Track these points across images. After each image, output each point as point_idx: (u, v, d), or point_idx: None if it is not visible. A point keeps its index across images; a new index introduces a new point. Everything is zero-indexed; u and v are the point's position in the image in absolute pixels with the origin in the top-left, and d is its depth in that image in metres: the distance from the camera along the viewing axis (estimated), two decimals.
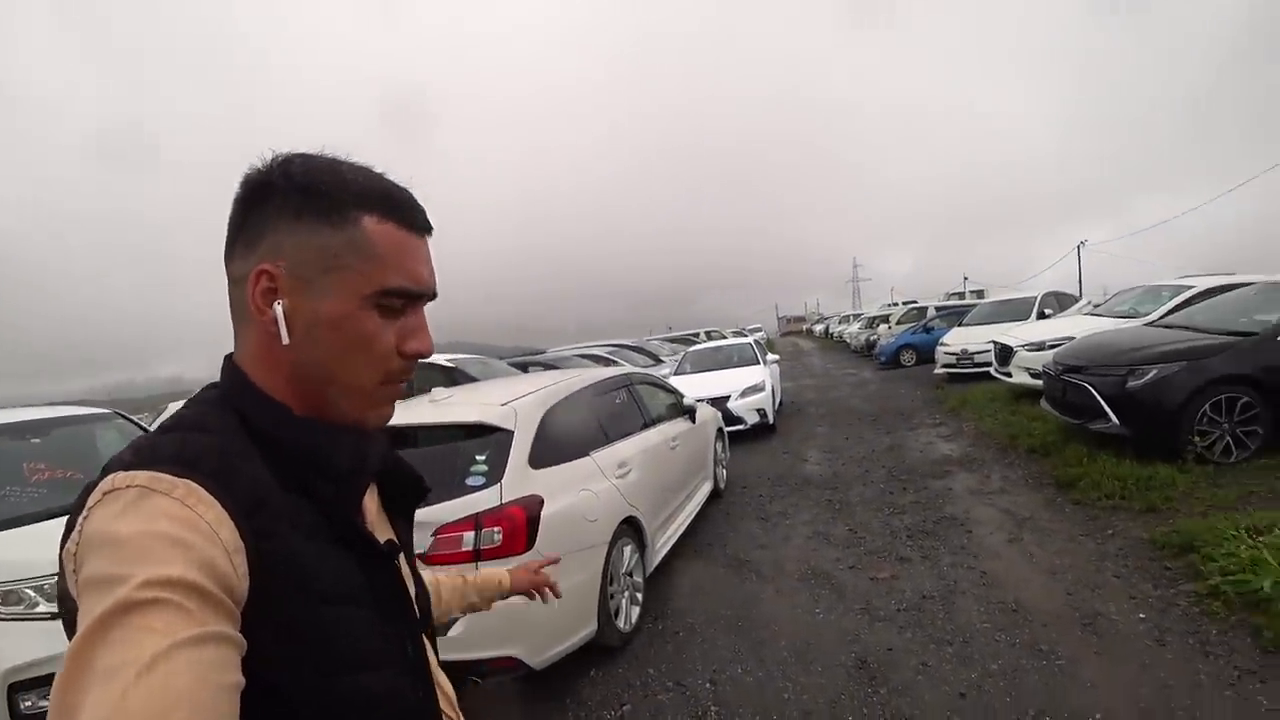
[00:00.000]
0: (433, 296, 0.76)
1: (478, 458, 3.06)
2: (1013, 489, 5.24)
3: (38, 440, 4.21)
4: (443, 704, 0.86)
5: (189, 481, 0.58)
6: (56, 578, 0.60)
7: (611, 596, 3.39)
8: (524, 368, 11.15)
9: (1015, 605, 3.32)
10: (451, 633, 2.71)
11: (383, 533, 0.83)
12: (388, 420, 0.78)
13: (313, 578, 0.65)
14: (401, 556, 0.83)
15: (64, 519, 0.62)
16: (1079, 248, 39.06)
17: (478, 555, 2.78)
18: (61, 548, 0.59)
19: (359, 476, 0.77)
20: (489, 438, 3.15)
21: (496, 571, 1.28)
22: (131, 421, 4.86)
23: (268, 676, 0.58)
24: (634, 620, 3.61)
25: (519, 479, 3.03)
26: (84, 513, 0.57)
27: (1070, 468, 5.20)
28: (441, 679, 0.90)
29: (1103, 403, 5.15)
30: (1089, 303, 11.50)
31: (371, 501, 0.83)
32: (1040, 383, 6.65)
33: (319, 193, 0.68)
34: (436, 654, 0.90)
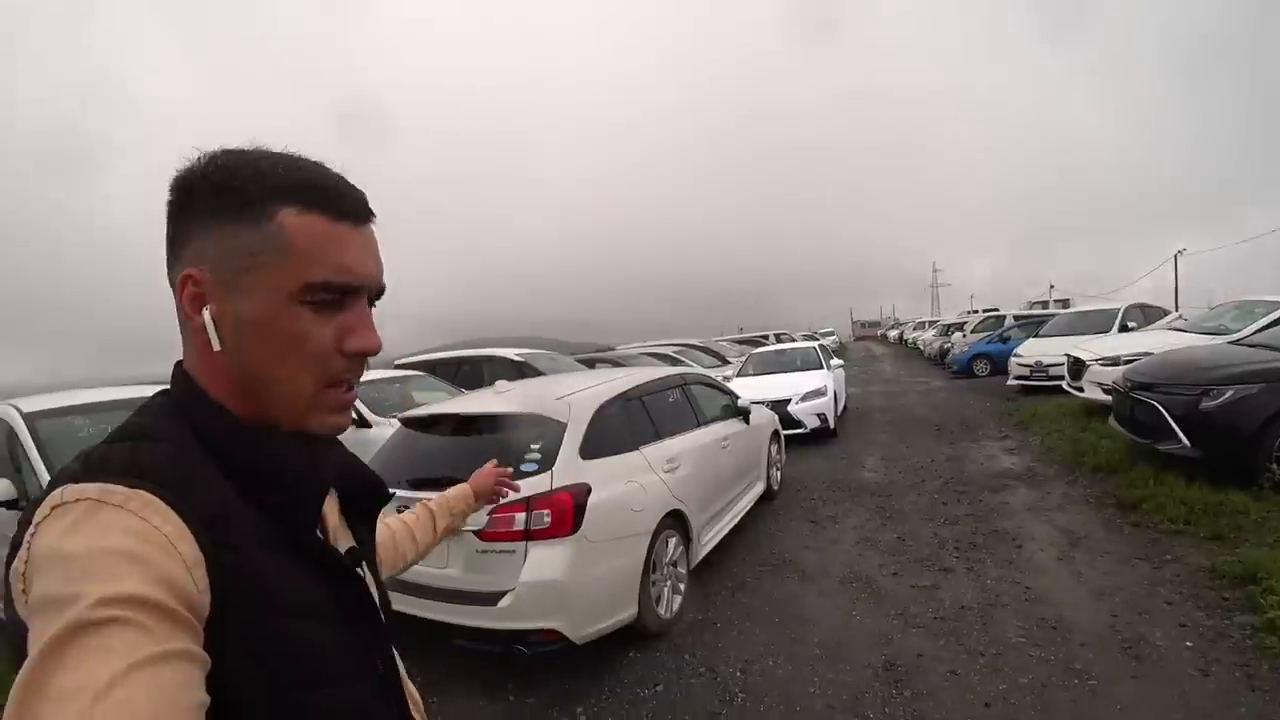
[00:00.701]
0: (374, 288, 0.72)
1: (533, 446, 3.29)
2: (1071, 506, 5.13)
3: None
4: (414, 713, 0.85)
5: (143, 493, 0.55)
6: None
7: (654, 584, 3.57)
8: (591, 364, 11.45)
9: (1056, 623, 3.31)
10: (500, 604, 2.95)
11: (344, 540, 0.82)
12: (338, 428, 0.73)
13: (276, 591, 0.63)
14: (365, 564, 0.81)
15: None
16: (1176, 257, 36.45)
17: (528, 534, 3.01)
18: (7, 567, 0.55)
19: (313, 487, 0.73)
20: (544, 428, 3.38)
21: (459, 489, 1.34)
22: None
23: (232, 694, 0.56)
24: (675, 608, 3.78)
25: (570, 467, 3.23)
26: (31, 528, 0.54)
27: (1135, 488, 5.04)
28: (411, 689, 0.88)
29: (1172, 423, 4.97)
30: (1179, 316, 10.89)
31: (331, 509, 0.81)
32: (1111, 399, 6.43)
33: (233, 190, 0.65)
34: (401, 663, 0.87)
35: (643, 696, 3.06)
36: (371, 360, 0.73)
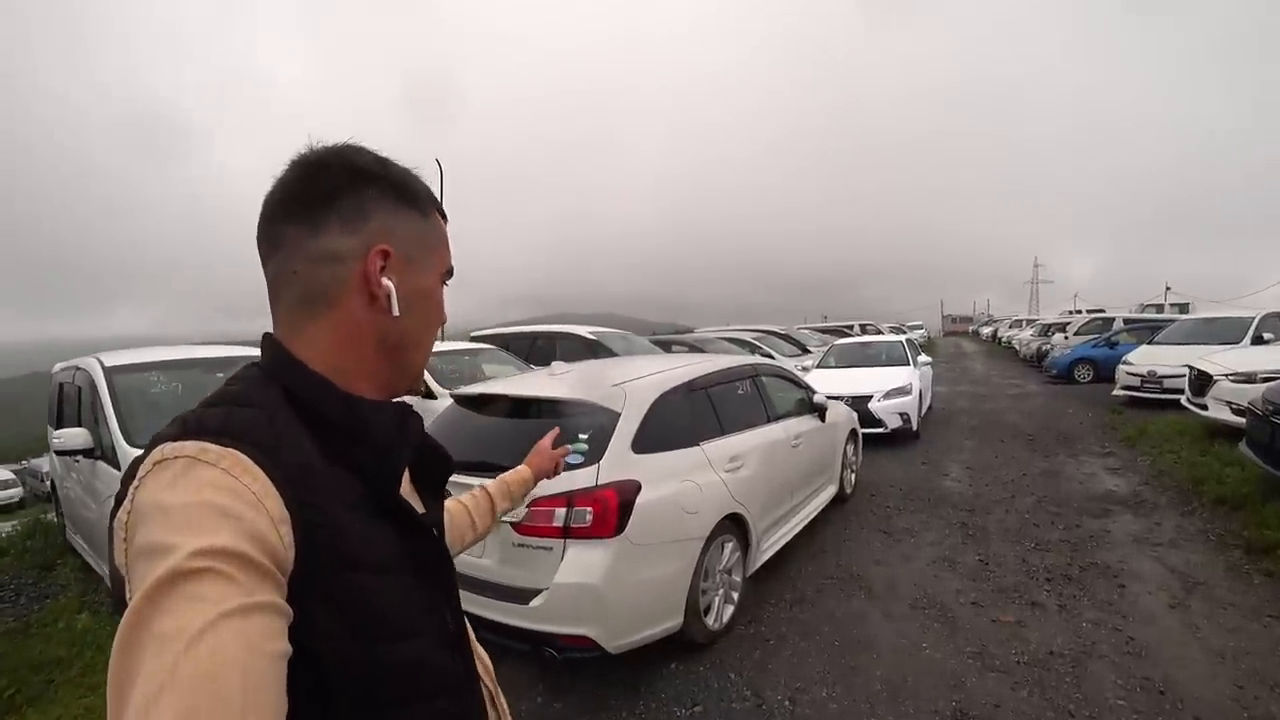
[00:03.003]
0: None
1: (580, 436, 3.06)
2: (1187, 544, 4.52)
3: (221, 375, 4.89)
4: (481, 673, 0.89)
5: (235, 452, 0.59)
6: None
7: (704, 593, 3.31)
8: (666, 346, 11.20)
9: (1164, 686, 2.86)
10: (533, 603, 2.77)
11: (416, 507, 0.84)
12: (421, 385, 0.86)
13: (356, 548, 0.66)
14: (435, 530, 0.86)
15: None
16: None
17: (567, 532, 2.80)
18: (113, 518, 0.60)
19: (401, 449, 0.78)
20: (595, 417, 3.15)
21: (518, 472, 1.40)
22: None
23: (313, 645, 0.59)
24: (725, 620, 3.52)
25: (619, 462, 3.00)
26: (135, 483, 0.58)
27: (1268, 529, 4.37)
28: (480, 650, 0.93)
29: None
30: None
31: (404, 480, 0.85)
32: (1244, 421, 5.64)
33: (409, 188, 0.79)
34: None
35: (678, 716, 2.83)
36: (446, 330, 0.66)
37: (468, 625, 0.87)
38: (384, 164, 0.78)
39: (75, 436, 4.16)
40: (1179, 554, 4.35)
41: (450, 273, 0.85)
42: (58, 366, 6.02)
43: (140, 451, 0.62)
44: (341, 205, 0.73)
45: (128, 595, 0.52)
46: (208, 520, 0.54)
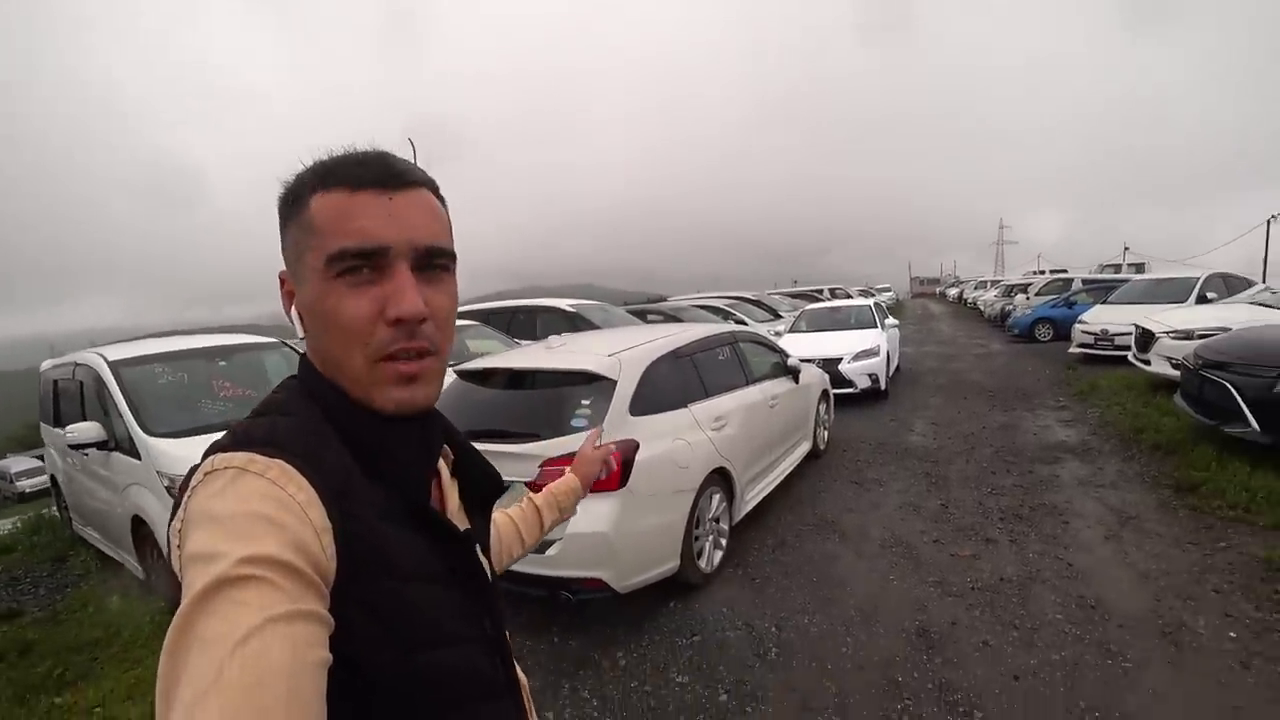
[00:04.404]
0: (409, 249, 0.70)
1: (583, 402, 3.40)
2: (1125, 485, 5.03)
3: (224, 363, 5.10)
4: (521, 680, 0.92)
5: (281, 463, 0.61)
6: None
7: (696, 539, 3.70)
8: (643, 315, 11.50)
9: (1095, 602, 3.32)
10: (549, 552, 3.12)
11: (461, 524, 0.86)
12: (406, 405, 0.73)
13: (396, 557, 0.68)
14: (479, 548, 0.86)
15: None
16: (1269, 223, 33.26)
17: None
18: (169, 525, 0.62)
19: (422, 461, 0.79)
20: (594, 385, 3.48)
21: (567, 482, 1.36)
22: (296, 351, 5.57)
23: (350, 653, 0.60)
24: (716, 563, 3.92)
25: (618, 424, 3.34)
26: (188, 492, 0.61)
27: (1195, 470, 4.91)
28: (517, 667, 0.92)
29: (1243, 405, 4.77)
30: (1266, 289, 10.26)
31: (452, 494, 0.88)
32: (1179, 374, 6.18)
33: (287, 193, 0.73)
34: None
35: (680, 646, 3.23)
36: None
37: (507, 634, 0.87)
38: (291, 183, 0.73)
39: (88, 430, 4.31)
40: (1117, 494, 4.85)
41: (343, 255, 0.67)
42: (47, 363, 6.05)
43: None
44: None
45: (181, 599, 0.53)
46: (255, 529, 0.55)
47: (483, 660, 0.78)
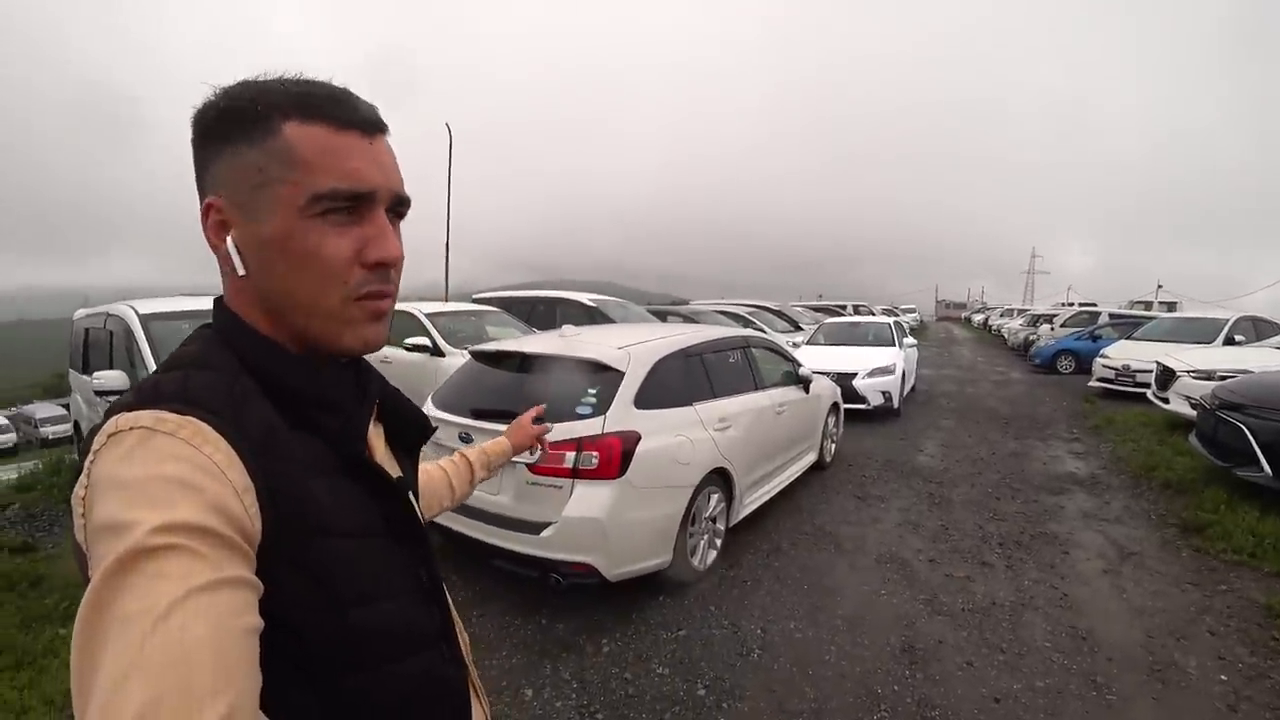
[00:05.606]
0: (391, 197, 0.70)
1: (590, 390, 3.44)
2: (1130, 520, 4.97)
3: None
4: (456, 623, 0.88)
5: (194, 420, 0.57)
6: None
7: (691, 535, 3.72)
8: (663, 316, 11.57)
9: (1086, 634, 3.29)
10: (543, 534, 3.17)
11: (391, 469, 0.82)
12: (373, 343, 0.72)
13: (324, 513, 0.64)
14: (410, 494, 0.83)
15: None
16: None
17: (575, 473, 3.19)
18: (71, 491, 0.57)
19: (360, 407, 0.76)
20: (603, 375, 3.52)
21: (498, 443, 1.36)
22: None
23: (284, 615, 0.58)
24: (709, 562, 3.94)
25: (622, 415, 3.37)
26: (90, 456, 0.56)
27: (1203, 511, 4.83)
28: (458, 621, 0.90)
29: (1256, 448, 4.70)
30: None
31: (378, 441, 0.83)
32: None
33: (238, 109, 0.65)
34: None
35: (665, 638, 3.25)
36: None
37: (443, 581, 0.84)
38: (218, 97, 0.66)
39: (115, 378, 4.46)
40: (1121, 529, 4.79)
41: (334, 195, 0.65)
42: (80, 313, 6.27)
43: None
44: (196, 163, 0.69)
45: (90, 574, 0.49)
46: (167, 494, 0.51)
47: (420, 612, 0.77)
